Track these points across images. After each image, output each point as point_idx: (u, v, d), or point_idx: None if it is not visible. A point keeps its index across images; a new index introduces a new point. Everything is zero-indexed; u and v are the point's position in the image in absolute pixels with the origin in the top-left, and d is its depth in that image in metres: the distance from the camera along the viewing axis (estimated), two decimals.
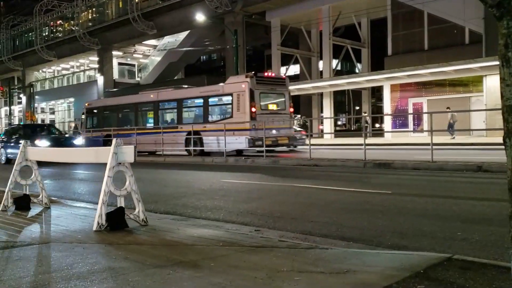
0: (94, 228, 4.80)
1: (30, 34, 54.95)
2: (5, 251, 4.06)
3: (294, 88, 34.11)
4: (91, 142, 22.14)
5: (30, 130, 21.27)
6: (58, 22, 52.72)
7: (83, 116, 25.89)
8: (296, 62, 41.56)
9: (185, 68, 53.75)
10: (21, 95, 58.77)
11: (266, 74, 19.78)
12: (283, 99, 18.96)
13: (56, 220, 5.54)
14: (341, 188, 8.51)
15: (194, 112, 20.35)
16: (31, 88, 54.11)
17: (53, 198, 7.05)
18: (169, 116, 21.42)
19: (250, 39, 40.24)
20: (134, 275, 3.26)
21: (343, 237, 4.79)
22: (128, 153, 5.00)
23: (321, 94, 36.62)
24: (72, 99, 53.72)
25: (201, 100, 19.47)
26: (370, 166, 12.23)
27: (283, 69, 39.93)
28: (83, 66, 55.23)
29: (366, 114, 35.49)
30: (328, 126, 36.89)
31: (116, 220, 4.89)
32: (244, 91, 17.40)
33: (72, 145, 17.84)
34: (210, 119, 19.01)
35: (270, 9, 35.85)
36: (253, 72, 19.17)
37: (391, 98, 30.73)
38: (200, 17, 31.07)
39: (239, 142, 17.36)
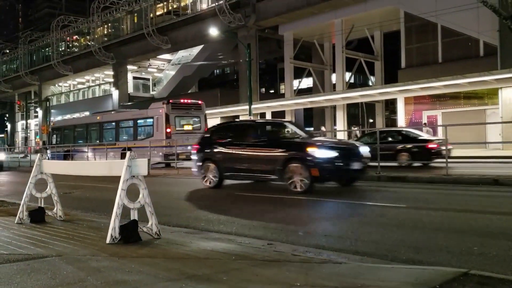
0: (108, 241, 4.81)
1: (47, 49, 56.06)
2: (20, 263, 4.09)
3: (307, 101, 34.20)
4: (54, 157, 26.84)
5: None
6: (74, 37, 53.76)
7: (49, 134, 30.52)
8: (309, 75, 41.65)
9: (198, 82, 54.22)
10: (38, 109, 59.74)
11: (182, 100, 23.22)
12: (198, 119, 22.50)
13: (70, 233, 5.57)
14: (355, 202, 8.43)
15: (127, 132, 23.84)
16: (47, 102, 54.92)
17: (67, 211, 7.10)
18: (110, 135, 24.99)
19: (263, 53, 40.54)
20: None
21: (357, 251, 4.73)
22: (142, 166, 5.03)
23: (334, 107, 36.57)
24: (87, 113, 54.36)
25: (132, 122, 23.32)
26: (384, 179, 12.11)
27: (295, 82, 40.04)
28: (98, 80, 56.08)
29: (356, 128, 35.47)
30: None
31: (129, 233, 4.90)
32: (161, 115, 20.98)
33: None
34: (138, 137, 22.58)
35: (283, 23, 36.11)
36: (169, 99, 22.77)
37: (405, 111, 30.53)
38: (213, 31, 31.40)
39: (158, 156, 20.73)
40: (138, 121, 23.07)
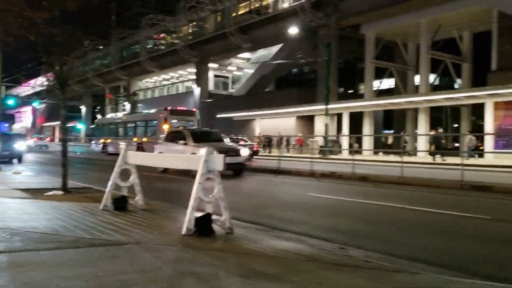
0: (183, 232, 4.98)
1: (136, 46, 59.18)
2: (102, 248, 4.36)
3: (387, 103, 33.11)
4: (95, 147, 36.44)
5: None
6: (162, 35, 56.25)
7: (93, 129, 39.71)
8: (390, 76, 40.26)
9: (276, 81, 54.48)
10: (125, 103, 63.37)
11: (178, 108, 30.43)
12: (192, 123, 28.20)
13: (149, 222, 5.84)
14: (435, 210, 8.02)
15: (141, 130, 31.05)
16: (134, 97, 58.13)
17: (147, 201, 7.45)
18: (131, 131, 32.44)
19: (343, 52, 39.77)
20: (218, 282, 3.33)
21: (434, 262, 4.50)
22: (218, 161, 5.15)
23: (416, 110, 35.04)
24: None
25: (144, 123, 31.09)
26: (468, 188, 11.41)
27: (376, 83, 38.91)
28: (181, 77, 58.26)
29: (405, 133, 33.60)
30: (422, 143, 35.11)
31: (203, 226, 5.04)
32: (162, 118, 27.62)
33: None
34: (147, 134, 29.25)
35: (365, 22, 35.21)
36: (167, 107, 28.84)
37: (494, 117, 28.50)
38: (293, 30, 31.40)
39: (158, 151, 25.01)
40: (148, 122, 30.40)
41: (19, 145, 21.45)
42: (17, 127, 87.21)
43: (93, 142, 38.65)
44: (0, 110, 16.57)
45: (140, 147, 26.78)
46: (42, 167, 18.64)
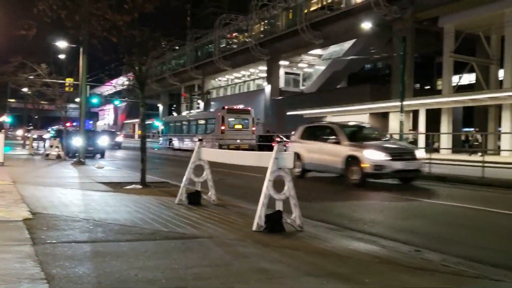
0: (254, 228, 5.04)
1: (210, 45, 60.70)
2: (176, 241, 4.53)
3: (467, 99, 31.28)
4: (163, 143, 40.32)
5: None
6: (234, 34, 57.22)
7: (161, 126, 44.40)
8: (471, 70, 38.00)
9: (348, 77, 53.44)
10: (199, 101, 65.25)
11: (235, 107, 33.67)
12: (247, 122, 31.09)
13: (221, 217, 5.98)
14: None
15: (202, 127, 33.82)
16: (208, 95, 59.60)
17: (220, 196, 7.62)
18: (193, 129, 35.19)
19: (419, 46, 38.09)
20: (288, 280, 3.33)
21: None
22: (288, 159, 5.15)
23: (500, 106, 32.79)
24: (241, 106, 57.70)
25: (204, 121, 33.83)
26: None
27: (455, 78, 36.91)
28: (253, 75, 58.94)
29: (476, 130, 31.03)
30: (507, 142, 32.81)
31: (273, 222, 5.07)
32: (220, 117, 30.27)
33: None
34: (207, 131, 31.92)
35: (444, 14, 33.45)
36: (224, 106, 32.06)
37: None
38: (367, 25, 30.55)
39: (215, 146, 27.50)
40: (208, 120, 33.01)
41: (102, 141, 22.91)
42: (100, 124, 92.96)
43: (161, 138, 42.83)
44: (85, 108, 17.68)
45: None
46: (123, 162, 19.71)
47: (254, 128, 31.88)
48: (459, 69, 37.43)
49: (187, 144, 34.03)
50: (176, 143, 36.89)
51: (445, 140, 31.28)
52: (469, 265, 4.15)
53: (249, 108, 33.13)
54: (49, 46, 22.93)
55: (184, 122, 37.81)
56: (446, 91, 34.47)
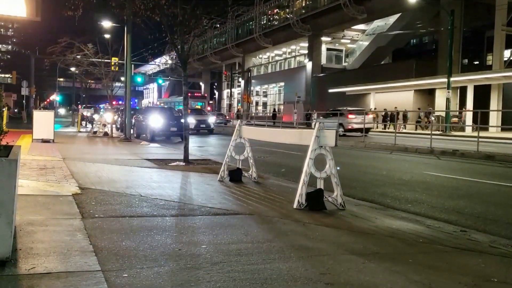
0: (294, 206, 5.05)
1: (250, 23, 60.29)
2: (219, 217, 4.60)
3: None
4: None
5: None
6: (275, 10, 56.50)
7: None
8: None
9: (393, 52, 51.90)
10: (240, 79, 65.26)
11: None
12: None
13: (262, 194, 6.01)
14: None
15: None
16: (249, 73, 59.51)
17: (260, 174, 7.66)
18: None
19: (468, 20, 36.31)
20: (329, 258, 3.32)
21: None
22: (330, 137, 5.08)
23: None
24: (282, 84, 57.34)
25: None
26: None
27: (507, 53, 35.11)
28: (294, 52, 58.23)
29: None
30: None
31: (315, 201, 5.05)
32: None
33: None
34: None
35: None
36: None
37: None
38: None
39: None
40: None
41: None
42: (145, 102, 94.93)
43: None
44: (130, 86, 18.04)
45: None
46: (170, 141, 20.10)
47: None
48: (511, 43, 35.51)
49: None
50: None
51: (495, 118, 29.97)
52: None
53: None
54: (94, 26, 23.45)
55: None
56: (497, 66, 32.84)
